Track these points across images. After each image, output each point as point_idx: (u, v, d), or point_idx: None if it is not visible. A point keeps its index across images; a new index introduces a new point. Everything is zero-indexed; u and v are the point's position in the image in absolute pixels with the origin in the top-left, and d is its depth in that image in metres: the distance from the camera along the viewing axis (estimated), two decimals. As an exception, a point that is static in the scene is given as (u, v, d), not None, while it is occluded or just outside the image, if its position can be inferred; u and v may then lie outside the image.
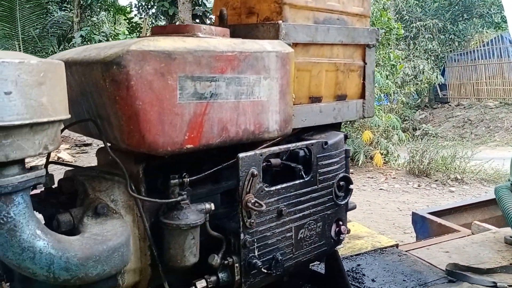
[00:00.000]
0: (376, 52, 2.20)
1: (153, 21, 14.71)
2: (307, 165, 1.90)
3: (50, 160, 1.63)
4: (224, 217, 1.81)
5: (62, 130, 1.36)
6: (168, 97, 1.40)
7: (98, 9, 15.62)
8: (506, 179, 3.14)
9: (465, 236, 3.15)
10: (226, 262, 1.68)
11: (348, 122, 8.22)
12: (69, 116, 1.28)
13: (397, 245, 2.95)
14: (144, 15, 15.29)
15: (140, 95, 1.34)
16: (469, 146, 9.55)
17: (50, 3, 15.15)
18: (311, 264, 2.33)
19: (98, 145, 1.64)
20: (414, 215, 3.76)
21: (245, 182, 1.65)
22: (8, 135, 1.08)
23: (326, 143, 1.93)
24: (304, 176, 1.88)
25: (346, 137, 2.12)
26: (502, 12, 15.90)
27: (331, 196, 1.99)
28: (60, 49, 13.46)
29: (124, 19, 17.40)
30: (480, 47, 15.77)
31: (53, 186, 1.54)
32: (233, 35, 1.80)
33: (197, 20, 11.59)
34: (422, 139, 9.69)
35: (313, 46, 1.95)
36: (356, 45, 2.13)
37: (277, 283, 2.02)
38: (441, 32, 16.15)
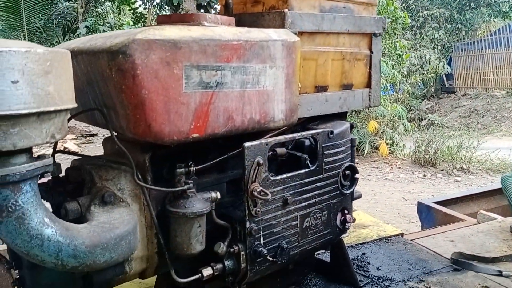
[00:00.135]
0: (382, 42, 2.18)
1: (158, 11, 14.65)
2: (312, 154, 1.91)
3: (59, 150, 1.64)
4: (230, 205, 1.82)
5: (68, 120, 1.37)
6: (174, 86, 1.40)
7: (103, 0, 15.58)
8: (513, 169, 3.13)
9: (470, 226, 3.15)
10: (232, 250, 1.69)
11: (354, 112, 8.19)
12: (75, 105, 1.29)
13: (402, 234, 2.95)
14: (149, 5, 15.23)
15: (146, 84, 1.35)
16: (475, 136, 9.49)
17: (54, -7, 15.11)
18: (316, 253, 2.34)
19: (103, 135, 1.65)
20: (420, 204, 3.75)
21: (251, 171, 1.65)
22: (15, 124, 1.09)
23: (332, 132, 1.93)
24: (310, 165, 1.89)
25: (352, 127, 2.12)
26: (510, 1, 15.72)
27: (337, 185, 2.00)
28: (65, 40, 13.44)
29: (129, 10, 17.33)
30: (487, 36, 15.59)
31: (60, 175, 1.55)
32: (238, 24, 1.79)
33: (202, 10, 11.53)
34: (428, 129, 9.64)
35: (319, 35, 1.94)
36: (363, 34, 2.12)
37: (283, 271, 2.03)
38: (448, 21, 15.98)
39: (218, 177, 1.81)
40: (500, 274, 2.35)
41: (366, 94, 2.21)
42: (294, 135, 1.85)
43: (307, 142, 1.93)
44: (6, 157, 1.14)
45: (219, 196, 1.66)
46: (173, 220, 1.59)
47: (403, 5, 14.89)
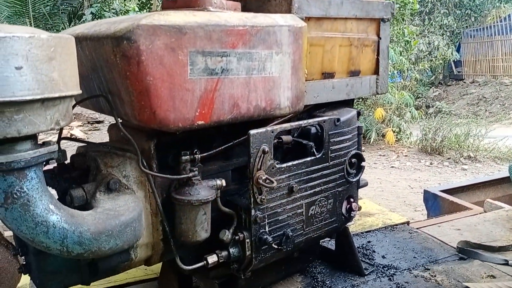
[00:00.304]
0: (390, 28, 2.15)
1: (163, -3, 14.53)
2: (318, 142, 1.89)
3: (64, 137, 1.64)
4: (235, 193, 1.81)
5: (73, 106, 1.36)
6: (179, 72, 1.39)
7: (108, -15, 15.48)
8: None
9: (477, 214, 3.13)
10: (237, 237, 1.69)
11: (361, 99, 8.14)
12: (80, 91, 1.28)
13: (408, 223, 2.94)
14: (154, -9, 15.12)
15: (150, 71, 1.33)
16: (483, 124, 9.41)
17: (60, -21, 15.02)
18: (321, 240, 2.34)
19: (110, 122, 1.64)
20: (426, 192, 3.74)
21: (256, 159, 1.64)
22: (19, 110, 1.08)
23: (338, 120, 1.91)
24: (316, 153, 1.87)
25: (358, 114, 2.10)
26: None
27: (343, 173, 1.98)
28: (70, 26, 13.41)
29: (135, -5, 17.23)
30: (497, 22, 15.36)
31: (66, 162, 1.55)
32: (244, 9, 1.77)
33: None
34: (435, 117, 9.56)
35: (326, 20, 1.91)
36: (371, 19, 2.08)
37: (288, 259, 2.03)
38: (457, 7, 15.75)
39: (223, 164, 1.80)
40: (506, 263, 2.34)
41: (374, 81, 2.18)
42: (300, 122, 1.83)
43: (313, 130, 1.91)
44: (11, 144, 1.14)
45: (224, 184, 1.65)
46: (178, 207, 1.59)
47: (412, -10, 14.66)
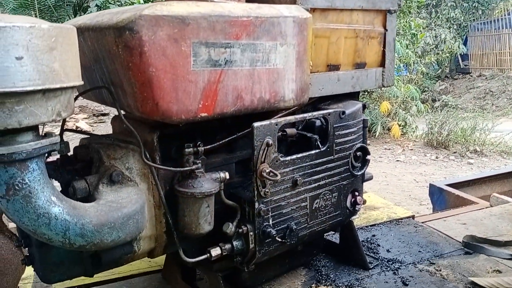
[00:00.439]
0: (396, 20, 2.12)
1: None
2: (323, 135, 1.87)
3: (67, 128, 1.63)
4: (238, 186, 1.80)
5: (76, 98, 1.35)
6: (182, 63, 1.37)
7: (113, -22, 15.44)
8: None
9: (483, 209, 3.11)
10: (240, 230, 1.68)
11: (366, 92, 8.09)
12: (82, 82, 1.26)
13: (413, 216, 2.92)
14: (159, -17, 15.07)
15: (153, 62, 1.32)
16: (489, 118, 9.33)
17: (65, -29, 15.00)
18: (326, 234, 2.33)
19: (115, 114, 1.63)
20: (432, 186, 3.71)
21: (260, 152, 1.63)
22: (20, 101, 1.07)
23: (343, 112, 1.89)
24: (320, 146, 1.85)
25: (364, 107, 2.07)
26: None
27: (348, 167, 1.97)
28: (75, 18, 13.41)
29: (140, -12, 17.20)
30: (505, 16, 15.18)
31: (69, 154, 1.54)
32: (248, -1, 1.74)
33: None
34: (441, 111, 9.50)
35: (332, 12, 1.88)
36: (377, 11, 2.05)
37: (292, 252, 2.03)
38: (464, 0, 15.58)
39: (227, 157, 1.79)
40: (512, 258, 2.32)
41: (380, 74, 2.15)
42: (305, 115, 1.81)
43: (318, 123, 1.89)
44: (12, 135, 1.13)
45: (227, 176, 1.64)
46: (182, 200, 1.58)
47: (419, -18, 14.52)
